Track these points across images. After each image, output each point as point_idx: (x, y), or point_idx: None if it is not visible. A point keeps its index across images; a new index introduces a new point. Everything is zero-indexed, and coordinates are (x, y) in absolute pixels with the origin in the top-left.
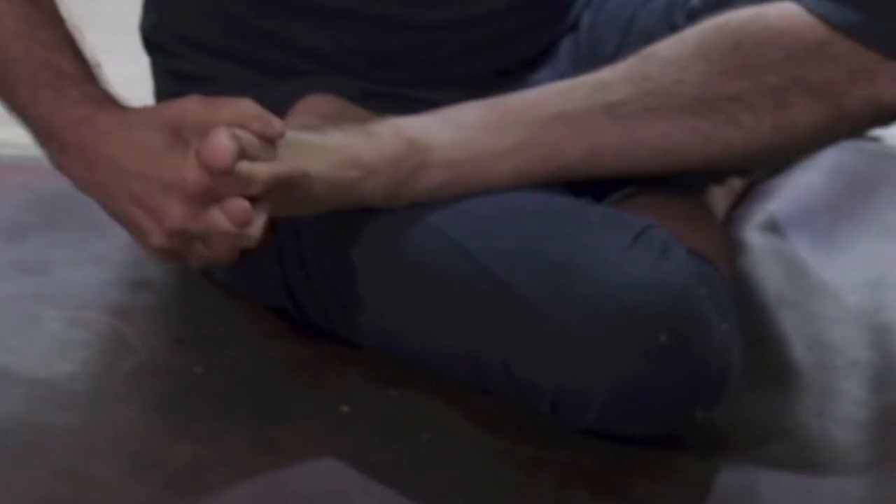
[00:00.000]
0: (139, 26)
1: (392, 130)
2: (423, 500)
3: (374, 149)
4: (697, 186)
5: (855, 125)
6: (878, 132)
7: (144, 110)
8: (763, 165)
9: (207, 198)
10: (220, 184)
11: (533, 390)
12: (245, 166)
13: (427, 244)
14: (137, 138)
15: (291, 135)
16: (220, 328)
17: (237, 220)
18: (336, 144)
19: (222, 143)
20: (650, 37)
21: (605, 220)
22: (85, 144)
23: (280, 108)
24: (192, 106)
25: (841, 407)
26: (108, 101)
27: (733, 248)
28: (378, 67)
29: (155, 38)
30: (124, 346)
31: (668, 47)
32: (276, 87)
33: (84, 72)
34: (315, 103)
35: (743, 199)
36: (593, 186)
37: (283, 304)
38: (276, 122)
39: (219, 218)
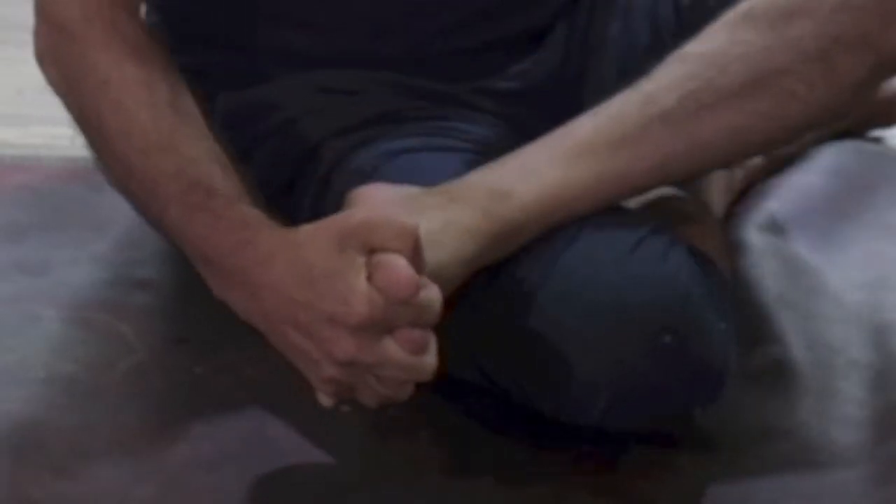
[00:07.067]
0: None
1: (479, 188)
2: (423, 499)
3: (479, 214)
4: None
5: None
6: (879, 133)
7: (308, 228)
8: (817, 131)
9: (378, 328)
10: (393, 313)
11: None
12: (426, 295)
13: None
14: (301, 261)
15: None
16: (221, 328)
17: (413, 350)
18: (443, 224)
19: (403, 272)
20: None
21: (610, 221)
22: (247, 270)
23: (282, 104)
24: (357, 220)
25: (841, 407)
26: (266, 221)
27: (733, 247)
28: (379, 38)
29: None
30: (124, 346)
31: (699, 44)
32: (279, 82)
33: (236, 189)
34: (374, 194)
35: (742, 199)
36: None
37: None
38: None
39: (392, 348)
